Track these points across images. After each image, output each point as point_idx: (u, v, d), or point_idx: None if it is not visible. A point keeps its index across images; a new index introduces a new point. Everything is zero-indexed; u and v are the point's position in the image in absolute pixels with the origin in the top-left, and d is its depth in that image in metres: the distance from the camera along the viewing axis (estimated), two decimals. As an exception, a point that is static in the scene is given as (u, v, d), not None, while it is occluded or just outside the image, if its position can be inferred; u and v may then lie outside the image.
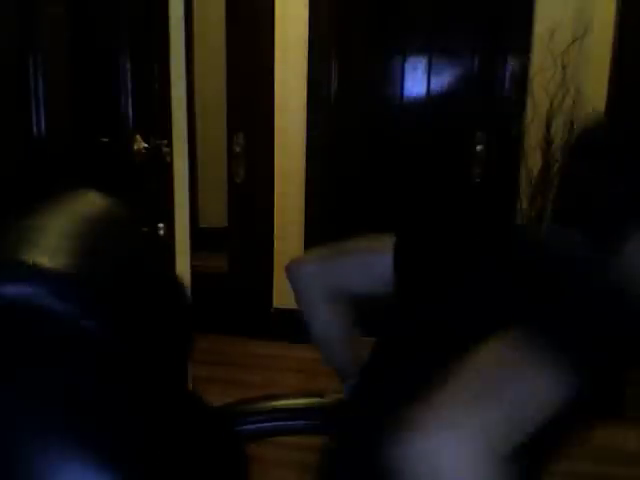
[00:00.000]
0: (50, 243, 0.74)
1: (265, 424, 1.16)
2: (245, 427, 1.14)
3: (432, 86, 3.22)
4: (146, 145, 1.75)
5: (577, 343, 0.72)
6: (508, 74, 3.07)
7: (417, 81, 3.23)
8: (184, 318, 1.10)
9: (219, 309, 3.37)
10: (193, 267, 2.15)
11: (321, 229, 3.34)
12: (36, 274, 0.65)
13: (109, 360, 0.72)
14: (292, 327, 3.44)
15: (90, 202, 0.94)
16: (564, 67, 2.79)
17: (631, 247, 0.81)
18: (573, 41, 2.79)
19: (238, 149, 3.32)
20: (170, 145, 1.92)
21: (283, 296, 3.43)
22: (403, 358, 0.95)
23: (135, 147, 1.72)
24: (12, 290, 0.64)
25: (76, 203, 0.91)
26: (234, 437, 1.11)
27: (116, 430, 0.67)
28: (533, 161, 2.89)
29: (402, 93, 3.26)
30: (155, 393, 0.87)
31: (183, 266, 2.08)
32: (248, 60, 3.21)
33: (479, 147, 3.19)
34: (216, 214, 3.85)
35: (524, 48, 2.99)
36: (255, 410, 1.18)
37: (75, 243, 0.78)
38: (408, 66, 3.23)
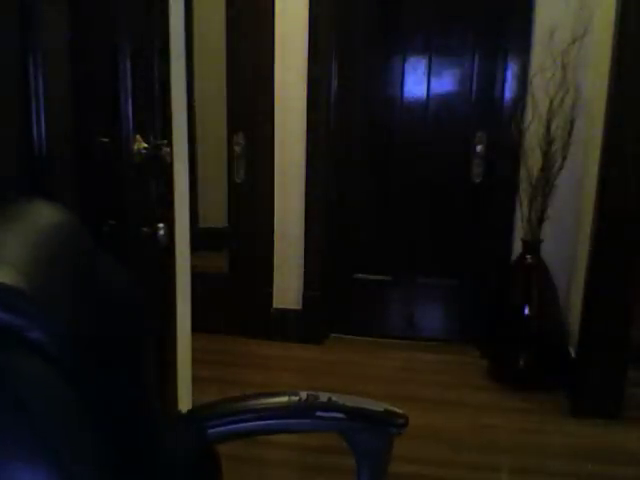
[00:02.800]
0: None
1: (242, 425, 1.16)
2: (219, 429, 1.14)
3: (432, 86, 3.22)
4: (146, 145, 1.75)
5: None
6: (508, 74, 3.07)
7: (417, 81, 3.23)
8: (139, 322, 1.10)
9: (219, 309, 3.37)
10: (193, 267, 2.15)
11: (321, 229, 3.35)
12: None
13: (58, 371, 0.72)
14: (292, 327, 3.46)
15: (38, 212, 0.94)
16: (564, 67, 2.79)
17: None
18: (573, 41, 2.79)
19: (238, 149, 3.32)
20: (170, 145, 1.92)
21: (283, 296, 3.43)
22: None
23: (135, 147, 1.71)
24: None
25: (25, 213, 0.91)
26: (201, 440, 1.11)
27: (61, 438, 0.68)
28: (533, 161, 2.89)
29: (402, 93, 3.26)
30: (110, 402, 0.88)
31: (183, 266, 2.07)
32: (248, 60, 3.21)
33: (479, 147, 3.19)
34: (216, 214, 3.85)
35: (524, 48, 2.99)
36: (229, 410, 1.18)
37: (24, 254, 0.78)
38: (408, 66, 3.23)
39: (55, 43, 1.27)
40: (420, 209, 3.36)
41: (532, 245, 2.94)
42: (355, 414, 1.13)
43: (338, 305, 3.48)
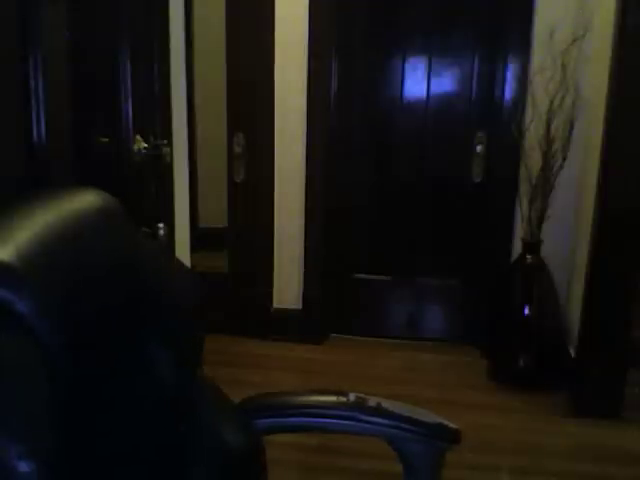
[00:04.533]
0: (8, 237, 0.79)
1: (289, 419, 1.16)
2: (265, 420, 1.15)
3: (432, 86, 3.22)
4: (146, 145, 1.75)
5: None
6: (508, 74, 3.07)
7: (417, 81, 3.23)
8: (193, 314, 1.11)
9: (219, 309, 3.37)
10: (193, 267, 2.15)
11: (321, 229, 3.34)
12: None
13: (39, 348, 0.75)
14: (292, 327, 3.46)
15: (86, 200, 0.95)
16: (564, 67, 2.79)
17: None
18: (573, 41, 2.78)
19: (238, 149, 3.32)
20: (170, 145, 1.92)
21: (283, 296, 3.43)
22: None
23: (135, 147, 1.71)
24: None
25: (69, 201, 0.93)
26: (248, 430, 1.12)
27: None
28: (533, 161, 2.89)
29: (402, 93, 3.26)
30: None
31: (183, 266, 2.07)
32: (248, 60, 3.21)
33: (479, 147, 3.19)
34: (216, 214, 3.85)
35: (524, 48, 2.99)
36: (278, 404, 1.18)
37: (37, 237, 0.81)
38: (408, 66, 3.23)
39: (55, 43, 1.27)
40: (420, 209, 3.36)
41: (532, 245, 2.94)
42: (402, 423, 1.10)
43: (338, 305, 3.48)
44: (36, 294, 0.76)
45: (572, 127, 2.84)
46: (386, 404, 1.12)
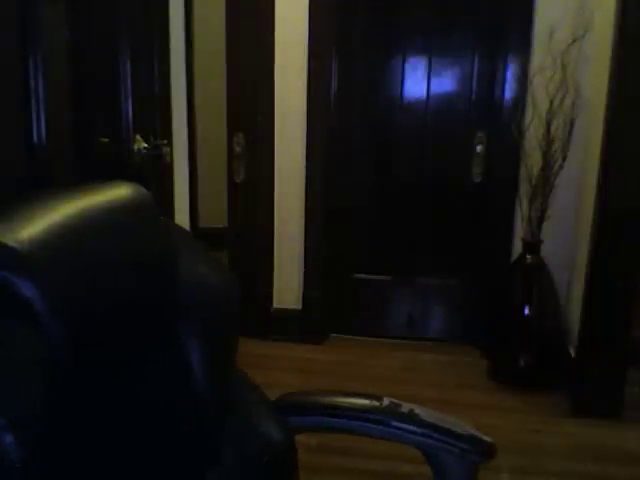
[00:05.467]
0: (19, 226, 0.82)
1: (321, 418, 1.16)
2: (295, 419, 1.15)
3: (432, 86, 3.22)
4: (146, 145, 1.75)
5: None
6: (508, 74, 3.07)
7: (417, 81, 3.23)
8: (228, 310, 1.11)
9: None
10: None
11: (321, 229, 3.34)
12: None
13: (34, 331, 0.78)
14: (292, 327, 3.45)
15: (116, 194, 0.97)
16: (564, 67, 2.79)
17: None
18: (573, 41, 2.78)
19: (238, 149, 3.32)
20: (170, 145, 1.92)
21: (283, 296, 3.43)
22: None
23: (135, 147, 1.72)
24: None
25: (98, 194, 0.96)
26: (284, 427, 1.13)
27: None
28: (533, 161, 2.89)
29: (402, 93, 3.26)
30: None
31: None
32: (248, 60, 3.21)
33: (479, 147, 3.19)
34: (216, 214, 3.85)
35: (524, 48, 2.99)
36: (309, 403, 1.18)
37: (54, 227, 0.84)
38: (408, 66, 3.23)
39: (55, 43, 1.27)
40: (420, 209, 3.36)
41: (532, 245, 2.94)
42: (434, 433, 1.08)
43: (338, 305, 3.48)
44: (40, 280, 0.78)
45: (572, 127, 2.84)
46: (419, 411, 1.09)
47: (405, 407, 1.10)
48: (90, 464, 0.84)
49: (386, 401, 1.11)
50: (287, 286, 3.42)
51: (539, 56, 2.90)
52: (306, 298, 3.40)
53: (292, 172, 3.29)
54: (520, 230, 3.04)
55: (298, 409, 1.17)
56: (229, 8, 3.24)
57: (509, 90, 3.07)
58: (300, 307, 3.41)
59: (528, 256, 2.96)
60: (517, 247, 3.08)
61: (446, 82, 3.23)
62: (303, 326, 3.39)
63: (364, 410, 1.12)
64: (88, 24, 1.50)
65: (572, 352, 2.85)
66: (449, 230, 3.36)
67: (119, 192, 0.98)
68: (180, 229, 1.21)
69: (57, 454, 0.78)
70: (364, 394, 1.15)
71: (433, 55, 3.20)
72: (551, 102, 2.82)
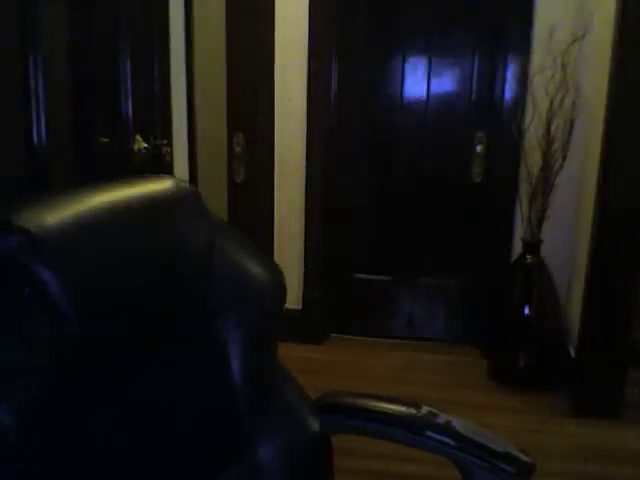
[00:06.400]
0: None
1: (356, 421, 1.16)
2: (330, 418, 1.16)
3: (432, 86, 3.22)
4: (146, 145, 1.75)
5: None
6: (508, 74, 3.07)
7: (417, 81, 3.23)
8: (271, 302, 1.12)
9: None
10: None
11: (321, 229, 3.34)
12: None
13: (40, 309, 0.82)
14: (292, 327, 3.45)
15: (156, 187, 1.01)
16: (564, 67, 2.79)
17: None
18: (573, 41, 2.78)
19: (238, 149, 3.32)
20: (170, 145, 1.92)
21: (283, 296, 3.42)
22: None
23: (135, 147, 1.72)
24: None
25: (137, 187, 1.00)
26: (321, 425, 1.14)
27: None
28: (533, 161, 2.89)
29: (402, 93, 3.26)
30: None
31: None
32: (248, 60, 3.21)
33: (479, 147, 3.19)
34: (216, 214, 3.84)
35: (524, 48, 2.99)
36: (345, 405, 1.18)
37: (78, 217, 0.88)
38: (408, 66, 3.23)
39: (55, 43, 1.27)
40: (420, 209, 3.36)
41: (532, 245, 2.94)
42: (468, 446, 1.05)
43: (338, 305, 3.48)
44: (54, 264, 0.82)
45: (572, 127, 2.84)
46: (456, 423, 1.07)
47: (442, 418, 1.08)
48: (97, 451, 0.86)
49: (424, 410, 1.10)
50: (287, 286, 3.40)
51: (539, 56, 2.90)
52: (306, 298, 3.40)
53: (292, 172, 3.29)
54: (520, 230, 3.04)
55: (335, 410, 1.17)
56: (229, 8, 3.24)
57: (509, 90, 3.07)
58: (300, 307, 3.41)
59: (528, 256, 2.96)
60: (517, 247, 3.07)
61: (446, 82, 3.22)
62: (303, 326, 3.38)
63: (400, 417, 1.11)
64: (88, 24, 1.50)
65: (572, 352, 2.85)
66: (449, 230, 3.36)
67: (158, 186, 1.01)
68: (226, 224, 1.22)
69: (57, 437, 0.80)
70: (403, 400, 1.14)
71: (433, 55, 3.20)
72: (551, 102, 2.82)
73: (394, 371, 3.10)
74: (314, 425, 1.13)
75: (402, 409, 1.12)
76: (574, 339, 2.82)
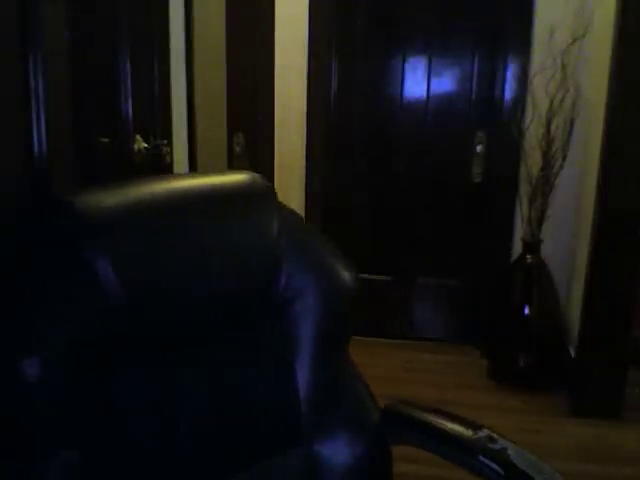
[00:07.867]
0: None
1: (415, 434, 1.17)
2: (397, 429, 1.17)
3: (432, 86, 3.22)
4: (146, 145, 1.75)
5: None
6: (508, 74, 3.07)
7: (417, 81, 3.23)
8: (344, 297, 1.12)
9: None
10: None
11: (321, 229, 3.34)
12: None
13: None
14: (292, 327, 3.44)
15: (229, 181, 1.04)
16: (564, 67, 2.79)
17: None
18: (573, 41, 2.78)
19: (238, 149, 3.32)
20: (170, 145, 1.92)
21: (283, 296, 3.43)
22: None
23: (135, 147, 1.71)
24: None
25: (209, 180, 1.04)
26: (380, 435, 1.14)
27: None
28: (533, 161, 2.89)
29: (402, 93, 3.26)
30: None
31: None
32: (248, 60, 3.21)
33: (479, 147, 3.19)
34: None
35: (524, 48, 2.99)
36: (412, 418, 1.18)
37: (137, 205, 0.94)
38: (408, 66, 3.23)
39: (55, 43, 1.27)
40: (420, 209, 3.36)
41: (532, 245, 2.94)
42: (515, 477, 1.05)
43: (338, 305, 3.47)
44: (104, 245, 0.88)
45: (572, 127, 2.84)
46: (512, 451, 1.06)
47: (500, 444, 1.07)
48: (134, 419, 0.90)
49: (483, 432, 1.09)
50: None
51: (539, 56, 2.90)
52: (306, 298, 3.40)
53: (292, 172, 3.29)
54: (520, 230, 3.04)
55: (396, 420, 1.17)
56: (229, 8, 3.24)
57: (509, 90, 3.08)
58: (300, 307, 3.41)
59: (528, 256, 2.96)
60: (517, 247, 3.07)
61: (446, 82, 3.22)
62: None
63: (457, 437, 1.10)
64: (88, 24, 1.50)
65: (572, 352, 2.85)
66: (449, 230, 3.36)
67: (232, 179, 1.03)
68: (301, 220, 1.22)
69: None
70: (466, 420, 1.13)
71: (433, 55, 3.20)
72: (551, 102, 2.82)
73: (394, 371, 3.10)
74: (375, 433, 1.14)
75: (460, 429, 1.11)
76: (574, 339, 2.82)
